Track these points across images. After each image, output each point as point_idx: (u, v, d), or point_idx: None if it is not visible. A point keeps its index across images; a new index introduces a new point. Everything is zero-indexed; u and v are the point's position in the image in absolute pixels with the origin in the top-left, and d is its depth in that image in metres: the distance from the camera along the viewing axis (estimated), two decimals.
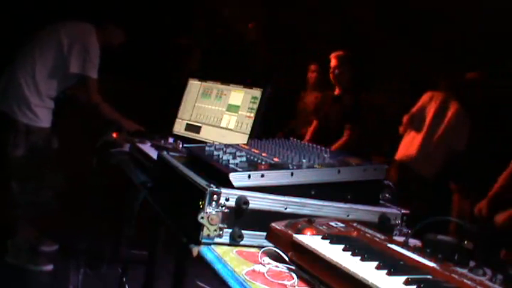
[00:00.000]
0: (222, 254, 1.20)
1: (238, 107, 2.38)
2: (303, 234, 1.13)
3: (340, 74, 4.57)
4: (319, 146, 1.65)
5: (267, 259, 1.15)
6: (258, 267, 1.12)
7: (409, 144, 4.49)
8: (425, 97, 4.53)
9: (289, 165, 1.38)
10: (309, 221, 1.20)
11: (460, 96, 4.41)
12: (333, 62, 4.59)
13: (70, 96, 3.77)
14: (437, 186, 4.43)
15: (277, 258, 1.15)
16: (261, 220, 1.26)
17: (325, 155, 1.53)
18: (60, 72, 3.55)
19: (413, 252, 1.06)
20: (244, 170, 1.33)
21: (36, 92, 3.51)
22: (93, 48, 3.54)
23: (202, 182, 1.28)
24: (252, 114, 2.29)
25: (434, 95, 4.50)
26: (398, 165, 4.44)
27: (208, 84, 2.65)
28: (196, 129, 2.59)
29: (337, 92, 4.65)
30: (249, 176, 1.30)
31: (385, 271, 0.92)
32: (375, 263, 0.94)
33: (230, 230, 1.25)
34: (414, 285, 0.87)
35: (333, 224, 1.22)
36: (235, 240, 1.25)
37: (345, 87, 4.59)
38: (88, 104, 3.61)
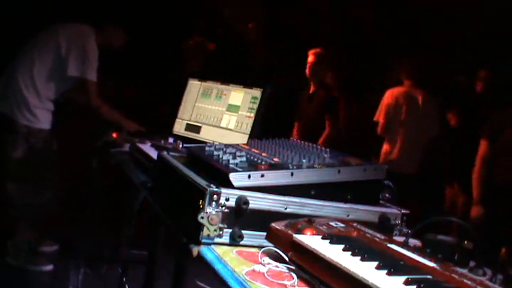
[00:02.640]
0: (222, 254, 1.20)
1: (238, 107, 2.38)
2: (303, 234, 1.13)
3: (317, 71, 4.62)
4: (319, 146, 1.65)
5: (267, 259, 1.15)
6: (258, 267, 1.12)
7: (390, 151, 4.53)
8: (388, 98, 4.57)
9: (289, 165, 1.38)
10: (309, 221, 1.20)
11: (421, 82, 4.48)
12: (311, 59, 4.62)
13: (69, 98, 3.76)
14: (424, 182, 4.48)
15: (277, 258, 1.14)
16: (261, 220, 1.26)
17: (325, 155, 1.53)
18: (58, 74, 3.53)
19: (413, 252, 1.05)
20: (244, 170, 1.33)
21: (36, 94, 3.50)
22: (92, 51, 3.52)
23: (202, 182, 1.28)
24: (252, 114, 2.29)
25: (396, 93, 4.56)
26: None
27: (208, 84, 2.65)
28: (196, 129, 2.59)
29: (312, 89, 4.69)
30: (249, 176, 1.30)
31: (385, 271, 0.92)
32: (375, 263, 0.94)
33: (230, 230, 1.25)
34: (414, 285, 0.87)
35: (333, 224, 1.22)
36: (235, 240, 1.25)
37: (319, 83, 4.62)
38: (88, 106, 3.61)
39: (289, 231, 1.15)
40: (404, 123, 4.47)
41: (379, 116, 4.61)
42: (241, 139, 2.19)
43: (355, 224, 1.24)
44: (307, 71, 4.66)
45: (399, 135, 4.49)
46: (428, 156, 4.51)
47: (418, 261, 1.01)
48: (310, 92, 4.72)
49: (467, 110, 4.38)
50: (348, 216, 1.38)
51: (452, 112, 4.46)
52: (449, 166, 4.52)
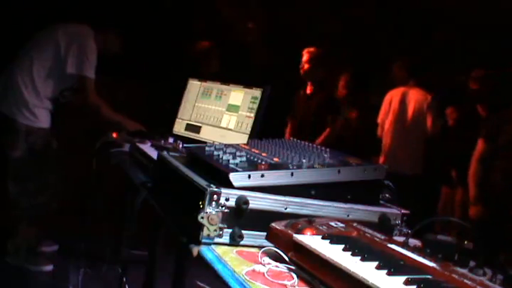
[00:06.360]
0: (222, 254, 1.20)
1: (238, 107, 2.38)
2: (303, 234, 1.13)
3: (310, 70, 4.53)
4: (319, 146, 1.65)
5: (267, 259, 1.15)
6: (258, 267, 1.11)
7: (390, 151, 4.53)
8: (387, 99, 4.61)
9: (289, 165, 1.38)
10: (309, 221, 1.20)
11: (422, 82, 4.49)
12: (304, 58, 4.56)
13: (69, 97, 3.77)
14: (424, 182, 4.49)
15: (277, 258, 1.14)
16: (261, 220, 1.26)
17: (325, 155, 1.52)
18: (57, 72, 3.54)
19: (413, 252, 1.05)
20: (244, 170, 1.33)
21: (35, 93, 3.50)
22: (91, 48, 3.54)
23: (202, 182, 1.28)
24: (252, 114, 2.29)
25: (394, 93, 4.56)
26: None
27: (208, 84, 2.65)
28: (196, 129, 2.59)
29: (309, 90, 4.62)
30: (249, 176, 1.30)
31: (385, 271, 0.91)
32: (375, 263, 0.94)
33: (230, 230, 1.25)
34: (414, 285, 0.87)
35: (333, 224, 1.22)
36: (235, 240, 1.25)
37: (318, 84, 4.56)
38: (86, 104, 3.61)
39: (289, 231, 1.15)
40: (401, 123, 4.48)
41: (379, 118, 4.63)
42: (241, 139, 2.19)
43: (355, 224, 1.24)
44: (300, 70, 4.58)
45: (399, 135, 4.50)
46: (428, 156, 4.52)
47: (418, 261, 1.01)
48: (308, 92, 4.64)
49: (465, 108, 4.38)
50: (348, 216, 1.38)
51: (450, 110, 4.46)
52: (448, 165, 4.53)
